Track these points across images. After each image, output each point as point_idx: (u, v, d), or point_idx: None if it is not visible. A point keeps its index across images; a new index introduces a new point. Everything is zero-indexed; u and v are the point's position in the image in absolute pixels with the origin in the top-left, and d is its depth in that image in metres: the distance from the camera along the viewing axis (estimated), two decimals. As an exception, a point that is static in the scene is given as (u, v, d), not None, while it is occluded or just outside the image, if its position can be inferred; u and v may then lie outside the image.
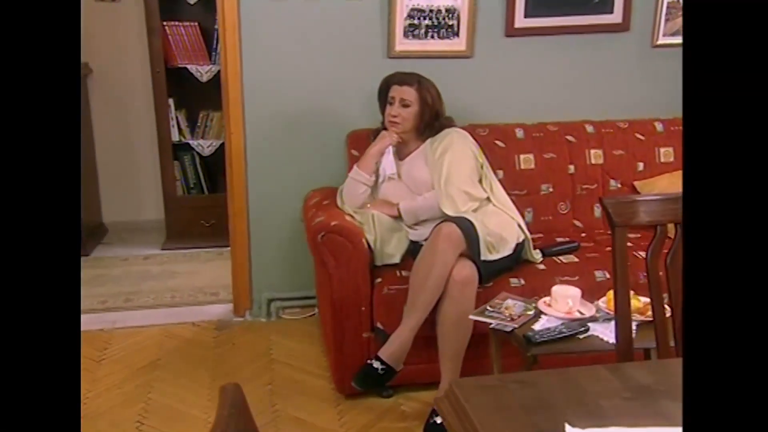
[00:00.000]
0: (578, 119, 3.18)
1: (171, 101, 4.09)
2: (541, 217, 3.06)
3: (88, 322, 3.18)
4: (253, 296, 3.26)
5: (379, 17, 3.04)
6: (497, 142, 3.05)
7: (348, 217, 2.64)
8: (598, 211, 3.09)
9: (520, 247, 2.65)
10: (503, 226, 2.59)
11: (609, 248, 2.50)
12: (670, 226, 1.56)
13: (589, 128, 3.15)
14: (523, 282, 2.56)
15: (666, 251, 1.56)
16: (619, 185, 3.12)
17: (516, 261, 2.65)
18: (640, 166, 3.13)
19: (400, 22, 3.05)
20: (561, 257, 2.73)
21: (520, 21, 3.14)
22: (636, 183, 3.11)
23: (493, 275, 2.53)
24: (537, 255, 2.72)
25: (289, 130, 3.10)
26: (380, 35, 3.06)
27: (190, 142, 4.20)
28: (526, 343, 1.96)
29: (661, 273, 1.56)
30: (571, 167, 3.10)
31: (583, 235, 3.00)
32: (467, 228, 2.43)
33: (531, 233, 2.91)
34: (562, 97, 3.25)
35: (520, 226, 2.68)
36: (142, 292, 3.52)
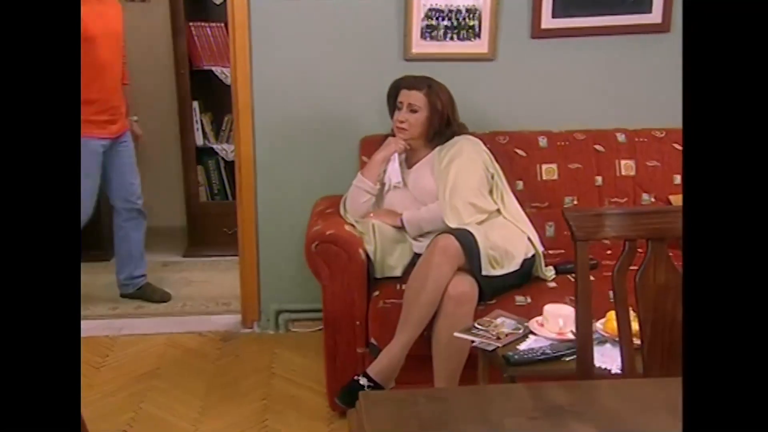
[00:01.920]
0: (609, 127, 3.17)
1: (195, 104, 4.28)
2: (564, 232, 3.04)
3: (95, 327, 3.37)
4: (261, 307, 3.38)
5: (395, 18, 3.12)
6: (518, 150, 3.08)
7: (347, 227, 2.72)
8: (627, 226, 3.06)
9: (529, 262, 2.67)
10: (510, 240, 2.61)
11: (633, 267, 2.51)
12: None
13: (621, 137, 3.13)
14: (529, 300, 2.58)
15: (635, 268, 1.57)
16: (653, 199, 3.08)
17: (525, 278, 2.67)
18: (677, 179, 3.09)
19: (417, 23, 3.12)
20: (569, 276, 2.72)
21: (548, 21, 3.16)
22: (671, 197, 3.07)
23: (497, 292, 2.56)
24: (549, 272, 2.73)
25: (300, 135, 3.21)
26: (396, 37, 3.14)
27: (215, 146, 4.37)
28: (504, 363, 1.98)
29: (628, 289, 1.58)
30: (599, 179, 3.09)
31: (609, 252, 2.98)
32: (467, 241, 2.46)
33: (552, 249, 2.92)
34: (591, 103, 3.24)
35: (530, 240, 2.69)
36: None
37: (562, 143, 3.11)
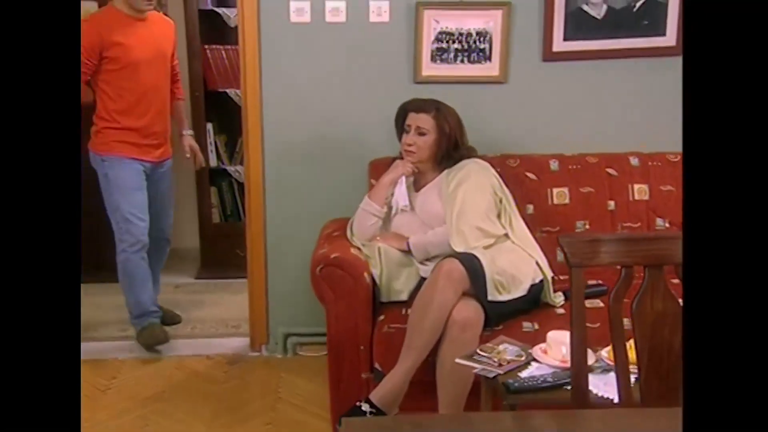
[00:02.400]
0: (622, 151, 3.17)
1: (210, 126, 4.35)
2: (575, 257, 3.05)
3: (103, 350, 3.42)
4: (269, 331, 3.40)
5: (406, 41, 3.16)
6: (528, 174, 3.08)
7: (353, 250, 2.74)
8: (641, 252, 3.05)
9: (537, 288, 2.67)
10: (517, 265, 2.62)
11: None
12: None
13: (634, 161, 3.13)
14: (537, 326, 2.57)
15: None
16: (667, 224, 3.07)
17: (533, 303, 2.66)
18: (692, 203, 3.06)
19: (427, 46, 3.15)
20: (585, 301, 2.70)
21: (559, 44, 3.18)
22: (686, 222, 3.05)
23: (503, 318, 2.55)
24: (558, 298, 2.72)
25: (309, 157, 3.25)
26: (406, 59, 3.17)
27: (228, 168, 4.43)
28: (504, 390, 1.98)
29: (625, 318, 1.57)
30: (612, 203, 3.08)
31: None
32: (472, 265, 2.47)
33: (562, 274, 2.91)
34: (604, 126, 3.24)
35: (539, 265, 2.69)
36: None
37: (574, 167, 3.11)
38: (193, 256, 4.52)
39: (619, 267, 1.59)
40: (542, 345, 2.19)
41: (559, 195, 3.08)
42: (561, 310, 2.68)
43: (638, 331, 1.57)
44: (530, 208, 3.04)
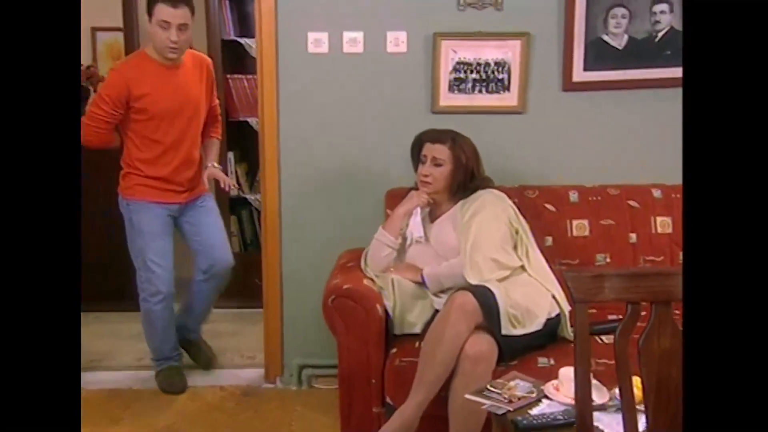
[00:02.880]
0: (644, 182, 3.15)
1: (231, 155, 4.42)
2: (595, 291, 3.03)
3: (119, 379, 3.45)
4: (284, 362, 3.41)
5: (423, 71, 3.19)
6: (547, 205, 3.08)
7: (366, 281, 2.75)
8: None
9: (553, 322, 2.65)
10: (532, 298, 2.61)
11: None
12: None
13: (656, 193, 3.11)
14: (552, 362, 2.55)
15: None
16: (691, 258, 3.03)
17: (549, 338, 2.65)
18: (716, 237, 3.04)
19: (445, 76, 3.18)
20: (604, 337, 2.69)
21: (579, 74, 3.19)
22: (710, 256, 3.02)
23: (518, 353, 2.54)
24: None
25: (326, 187, 3.28)
26: (424, 89, 3.21)
27: (248, 197, 4.49)
28: (513, 428, 1.97)
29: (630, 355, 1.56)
30: (633, 236, 3.06)
31: (644, 313, 2.93)
32: (485, 298, 2.47)
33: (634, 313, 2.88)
34: (625, 157, 3.24)
35: (556, 298, 2.68)
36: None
37: (594, 198, 3.10)
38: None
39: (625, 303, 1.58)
40: (554, 382, 2.17)
41: (579, 227, 3.07)
42: (578, 346, 2.65)
43: (645, 368, 1.56)
44: (549, 240, 3.04)
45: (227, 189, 3.63)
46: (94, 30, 5.34)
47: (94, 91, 4.86)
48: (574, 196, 3.10)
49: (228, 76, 4.38)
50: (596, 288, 1.57)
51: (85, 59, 5.06)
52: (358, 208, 3.27)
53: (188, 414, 3.17)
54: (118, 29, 4.95)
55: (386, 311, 2.68)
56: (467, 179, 2.81)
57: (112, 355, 3.75)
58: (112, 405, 3.21)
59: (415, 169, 2.90)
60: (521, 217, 2.82)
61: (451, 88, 3.20)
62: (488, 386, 2.19)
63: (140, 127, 3.11)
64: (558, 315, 2.67)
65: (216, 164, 3.36)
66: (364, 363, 2.61)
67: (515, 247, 2.76)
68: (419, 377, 2.45)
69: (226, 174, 4.34)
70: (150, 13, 3.01)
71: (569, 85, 3.20)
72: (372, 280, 2.78)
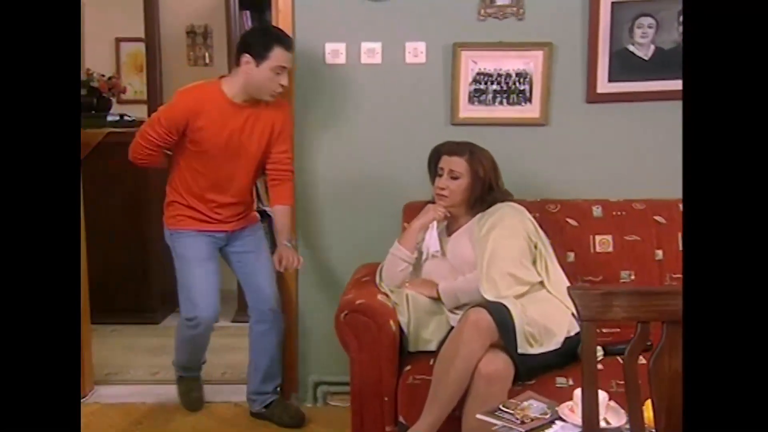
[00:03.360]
0: (671, 197, 3.11)
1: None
2: (619, 309, 2.99)
3: (132, 393, 3.49)
4: (299, 378, 3.42)
5: (442, 82, 3.19)
6: (569, 220, 3.06)
7: (380, 296, 2.75)
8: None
9: (573, 341, 2.62)
10: (550, 316, 2.58)
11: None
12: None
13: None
14: (571, 382, 2.52)
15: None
16: (720, 276, 2.99)
17: (568, 357, 2.61)
18: (746, 254, 2.99)
19: (464, 87, 3.18)
20: (620, 357, 2.65)
21: (604, 85, 3.17)
22: (740, 274, 2.97)
23: (535, 372, 2.52)
24: (597, 353, 2.66)
25: (342, 200, 3.29)
26: (443, 101, 3.21)
27: (267, 209, 4.51)
28: (523, 450, 1.95)
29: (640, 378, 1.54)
30: (659, 252, 3.02)
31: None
32: (501, 315, 2.45)
33: (604, 327, 2.85)
34: (651, 171, 3.20)
35: (575, 316, 2.65)
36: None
37: (619, 213, 3.07)
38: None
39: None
40: (569, 403, 2.14)
41: (603, 243, 3.04)
42: (599, 366, 2.61)
43: (655, 391, 1.54)
44: (571, 256, 3.01)
45: (291, 268, 3.15)
46: (118, 41, 5.45)
47: (117, 101, 4.96)
48: (597, 211, 3.08)
49: (248, 87, 4.42)
50: (604, 306, 1.55)
51: (109, 69, 5.17)
52: (375, 222, 3.27)
53: (201, 430, 3.19)
54: (141, 40, 5.05)
55: (400, 327, 2.68)
56: (485, 192, 2.80)
57: (127, 368, 3.79)
58: (122, 421, 3.23)
59: (432, 182, 2.89)
60: (541, 231, 2.80)
61: (471, 100, 3.20)
62: (501, 406, 2.17)
63: (190, 155, 3.01)
64: (578, 333, 2.63)
65: (290, 243, 3.10)
66: (377, 380, 2.60)
67: (534, 262, 2.73)
68: (432, 396, 2.44)
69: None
70: (262, 56, 2.86)
71: (593, 97, 3.18)
72: (386, 295, 2.78)
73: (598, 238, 3.04)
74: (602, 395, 2.10)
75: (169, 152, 3.11)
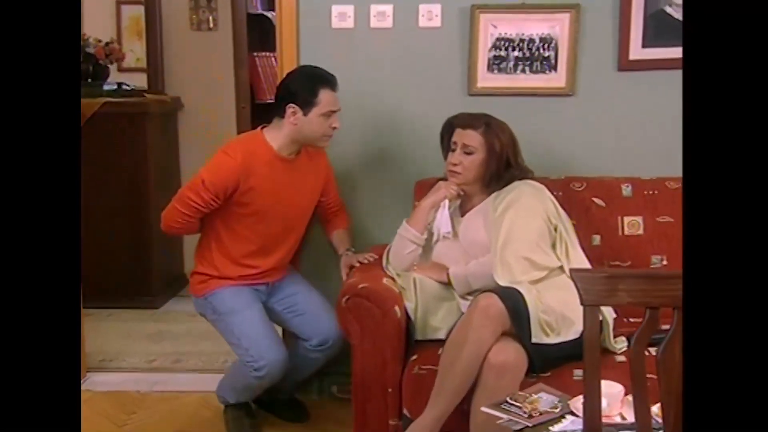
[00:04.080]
0: (708, 175, 3.08)
1: (257, 140, 4.48)
2: (648, 297, 2.98)
3: (126, 381, 3.56)
4: (304, 368, 3.45)
5: (459, 48, 3.18)
6: (596, 199, 3.04)
7: (386, 280, 2.76)
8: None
9: (594, 330, 2.61)
10: (568, 303, 2.55)
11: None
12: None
13: (722, 186, 3.04)
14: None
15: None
16: (761, 261, 2.96)
17: (588, 348, 2.61)
18: (792, 237, 2.95)
19: (483, 54, 3.17)
20: (651, 349, 2.64)
21: (637, 51, 3.14)
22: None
23: (551, 363, 2.51)
24: (619, 343, 2.66)
25: (350, 178, 3.30)
26: (459, 69, 3.20)
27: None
28: (528, 445, 1.96)
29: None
30: (694, 235, 3.00)
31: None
32: (514, 301, 2.44)
33: (630, 317, 2.85)
34: (688, 146, 3.16)
35: (597, 304, 2.64)
36: (194, 354, 3.85)
37: (650, 192, 3.05)
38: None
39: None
40: (582, 396, 2.15)
41: (632, 225, 3.02)
42: (622, 358, 2.61)
43: (664, 383, 1.54)
44: (596, 239, 3.00)
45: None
46: (119, 3, 5.48)
47: (118, 69, 5.01)
48: (627, 190, 3.05)
49: (255, 54, 4.46)
50: (609, 290, 1.55)
51: (109, 34, 5.18)
52: (384, 200, 3.28)
53: (199, 420, 3.25)
54: (142, 2, 5.08)
55: (407, 314, 2.70)
56: (502, 169, 2.79)
57: (123, 355, 3.86)
58: (117, 409, 3.30)
59: (445, 157, 2.89)
60: (562, 212, 2.79)
61: (490, 68, 3.18)
62: (508, 399, 2.18)
63: (235, 220, 2.95)
64: (600, 323, 2.63)
65: (351, 250, 3.12)
66: (380, 370, 2.63)
67: (553, 246, 2.72)
68: (438, 388, 2.46)
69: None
70: (310, 103, 2.84)
71: (625, 64, 3.14)
72: (393, 279, 2.80)
73: (627, 219, 3.02)
74: (618, 388, 2.12)
75: None
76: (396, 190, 3.26)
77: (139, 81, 4.95)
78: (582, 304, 1.56)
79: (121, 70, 5.15)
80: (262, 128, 3.01)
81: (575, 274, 1.56)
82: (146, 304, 4.52)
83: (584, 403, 1.57)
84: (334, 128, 2.91)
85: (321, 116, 2.85)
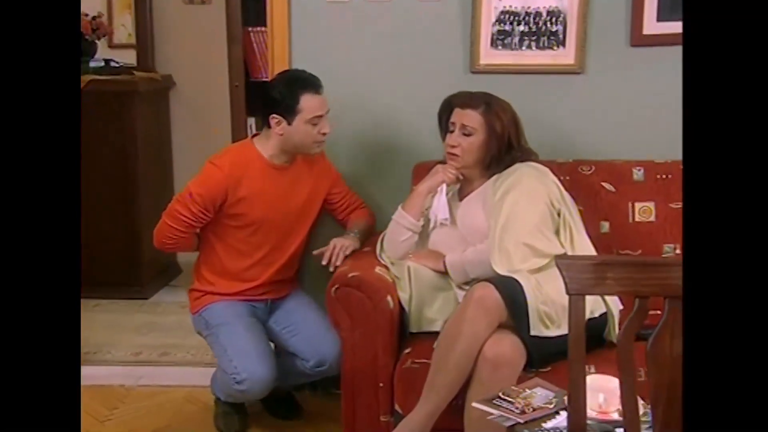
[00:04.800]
0: (726, 158, 3.08)
1: (251, 121, 4.50)
2: (660, 288, 2.99)
3: (111, 375, 3.61)
4: (297, 362, 3.48)
5: (461, 22, 3.19)
6: (605, 184, 3.05)
7: (379, 269, 2.79)
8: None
9: (597, 323, 2.63)
10: (570, 294, 2.59)
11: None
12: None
13: (741, 170, 3.04)
14: (593, 369, 2.53)
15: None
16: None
17: (593, 342, 2.61)
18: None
19: (486, 28, 3.17)
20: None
21: (651, 26, 3.13)
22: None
23: (551, 358, 2.53)
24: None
25: (345, 161, 3.30)
26: (461, 45, 3.20)
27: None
28: (518, 442, 1.98)
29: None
30: (710, 223, 3.00)
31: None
32: (511, 291, 2.46)
33: (650, 310, 2.85)
34: (704, 127, 3.16)
35: (602, 296, 2.66)
36: (183, 347, 3.90)
37: (664, 176, 3.05)
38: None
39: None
40: (579, 391, 2.17)
41: (643, 211, 3.03)
42: (627, 352, 2.62)
43: (654, 377, 1.55)
44: (605, 225, 3.01)
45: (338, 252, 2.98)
46: (108, -26, 5.49)
47: (109, 45, 5.04)
48: (638, 174, 3.06)
49: (249, 28, 4.44)
50: (596, 278, 1.57)
51: (97, 8, 5.18)
52: (382, 184, 3.31)
53: (184, 416, 3.29)
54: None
55: (401, 305, 2.72)
56: (503, 151, 2.79)
57: (108, 347, 3.91)
58: (99, 403, 3.35)
59: (443, 138, 2.90)
60: (567, 196, 2.79)
61: (494, 43, 3.19)
62: (500, 394, 2.20)
63: (229, 233, 3.01)
64: (603, 315, 2.65)
65: (354, 233, 3.07)
66: (371, 364, 2.65)
67: (557, 232, 2.73)
68: (430, 383, 2.48)
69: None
70: (292, 111, 2.86)
71: (638, 39, 3.14)
72: (387, 268, 2.82)
73: (638, 205, 3.03)
74: (614, 383, 2.12)
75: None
76: (393, 173, 3.28)
77: (131, 58, 4.99)
78: (567, 293, 1.57)
79: (111, 46, 5.16)
80: (253, 137, 3.06)
81: (559, 261, 1.57)
82: (135, 294, 4.58)
83: (569, 399, 1.58)
84: (324, 134, 2.92)
85: (307, 123, 2.87)
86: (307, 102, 2.86)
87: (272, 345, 3.09)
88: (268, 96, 2.94)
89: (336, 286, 2.69)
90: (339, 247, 2.94)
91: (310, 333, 3.03)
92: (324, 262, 2.93)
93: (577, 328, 1.57)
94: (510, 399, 2.17)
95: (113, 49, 5.10)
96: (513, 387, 2.24)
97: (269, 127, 2.93)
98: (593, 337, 2.64)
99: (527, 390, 2.22)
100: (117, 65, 4.73)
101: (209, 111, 4.90)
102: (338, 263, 2.89)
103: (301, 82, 2.89)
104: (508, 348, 2.43)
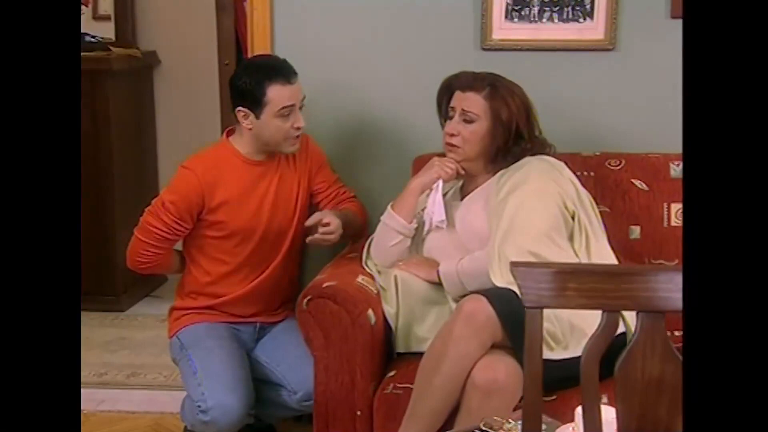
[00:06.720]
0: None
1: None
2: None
3: (70, 397, 3.70)
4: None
5: (471, -8, 3.23)
6: (636, 181, 3.07)
7: (361, 279, 2.83)
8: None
9: (614, 344, 2.63)
10: (580, 311, 2.60)
11: None
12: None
13: (798, 167, 3.03)
14: (604, 400, 2.55)
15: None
16: None
17: (607, 366, 2.64)
18: None
19: (500, -2, 3.21)
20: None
21: (696, -6, 3.14)
22: None
23: (557, 384, 2.53)
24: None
25: (339, 152, 3.37)
26: (471, 16, 3.25)
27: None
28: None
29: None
30: (759, 228, 3.00)
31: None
32: (507, 306, 2.46)
33: (676, 330, 2.86)
34: (756, 115, 3.16)
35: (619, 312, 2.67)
36: (155, 366, 3.99)
37: (706, 173, 3.05)
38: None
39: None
40: (572, 425, 2.20)
41: (681, 214, 3.03)
42: (648, 378, 2.64)
43: (622, 403, 1.59)
44: (635, 230, 3.03)
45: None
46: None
47: (93, 17, 5.12)
48: (676, 170, 3.06)
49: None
50: (558, 288, 1.60)
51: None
52: (379, 179, 3.36)
53: (147, 447, 3.38)
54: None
55: (386, 320, 2.77)
56: (510, 142, 2.82)
57: (70, 366, 4.00)
58: (54, 430, 3.44)
59: (443, 126, 2.93)
60: (584, 195, 2.80)
61: (509, 15, 3.22)
62: (481, 425, 2.24)
63: (210, 246, 3.09)
64: (622, 334, 2.66)
65: (335, 214, 3.08)
66: (348, 389, 2.70)
67: (571, 238, 2.75)
68: (411, 410, 2.51)
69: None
70: (258, 103, 2.93)
71: (679, 11, 3.14)
72: (372, 277, 2.86)
73: (675, 207, 3.04)
74: (609, 413, 2.16)
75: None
76: (392, 166, 3.33)
77: (106, 31, 5.05)
78: (524, 306, 1.61)
79: (96, 17, 5.18)
80: (228, 133, 3.13)
81: (514, 268, 1.61)
82: (109, 305, 4.68)
83: (523, 425, 1.62)
84: (299, 128, 2.97)
85: (276, 117, 2.93)
86: (274, 92, 2.90)
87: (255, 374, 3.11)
88: (232, 86, 3.01)
89: (308, 297, 2.74)
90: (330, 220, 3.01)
91: (301, 362, 2.94)
92: (308, 223, 3.03)
93: (532, 347, 1.61)
94: (492, 430, 2.21)
95: (98, 21, 5.15)
96: (495, 417, 2.27)
97: (239, 122, 3.00)
98: (607, 361, 2.66)
99: (511, 421, 2.25)
100: (93, 39, 4.80)
101: (200, 93, 4.97)
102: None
103: (267, 70, 2.94)
104: (502, 373, 2.45)
